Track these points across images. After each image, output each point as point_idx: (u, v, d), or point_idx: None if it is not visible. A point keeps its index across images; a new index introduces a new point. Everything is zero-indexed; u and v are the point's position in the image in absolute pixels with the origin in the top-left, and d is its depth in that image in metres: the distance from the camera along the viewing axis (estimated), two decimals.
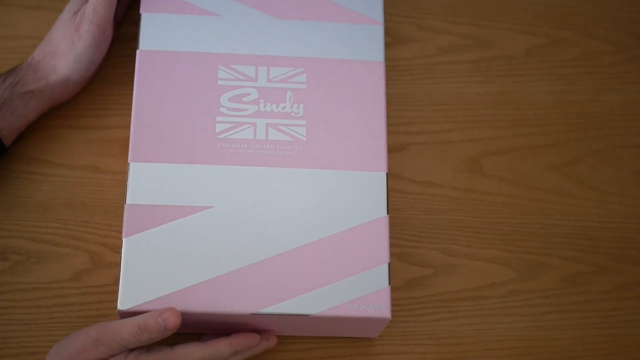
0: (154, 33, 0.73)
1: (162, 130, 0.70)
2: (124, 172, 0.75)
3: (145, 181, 0.69)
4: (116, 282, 0.72)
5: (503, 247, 0.77)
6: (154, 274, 0.66)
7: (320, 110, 0.72)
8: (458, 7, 0.85)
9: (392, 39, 0.83)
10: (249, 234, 0.68)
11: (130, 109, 0.77)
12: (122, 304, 0.65)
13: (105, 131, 0.77)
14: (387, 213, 0.70)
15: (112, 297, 0.71)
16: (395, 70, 0.81)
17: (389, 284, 0.68)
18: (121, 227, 0.73)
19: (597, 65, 0.85)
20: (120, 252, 0.73)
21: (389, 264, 0.68)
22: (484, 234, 0.77)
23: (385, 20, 0.82)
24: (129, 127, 0.77)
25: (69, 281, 0.72)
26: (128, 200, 0.68)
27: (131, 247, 0.67)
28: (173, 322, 0.63)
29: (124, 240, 0.67)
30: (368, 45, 0.74)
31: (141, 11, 0.73)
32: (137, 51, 0.72)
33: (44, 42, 0.73)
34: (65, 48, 0.72)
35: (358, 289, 0.67)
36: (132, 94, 0.76)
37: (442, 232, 0.77)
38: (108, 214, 0.74)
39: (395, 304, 0.73)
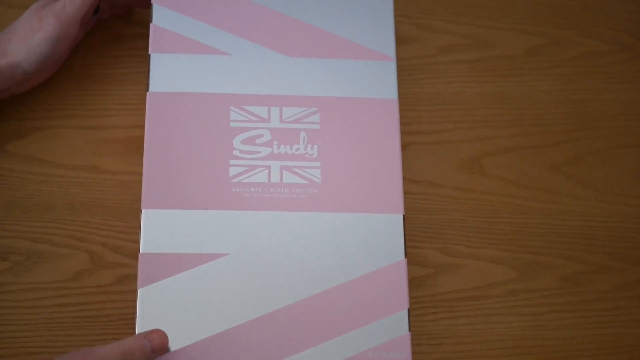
0: (164, 74, 0.71)
1: (175, 175, 0.69)
2: (124, 172, 0.75)
3: (159, 229, 0.67)
4: (116, 282, 0.72)
5: (503, 247, 0.77)
6: (170, 326, 0.65)
7: (334, 151, 0.71)
8: (458, 7, 0.85)
9: None
10: (266, 281, 0.67)
11: (130, 109, 0.77)
12: None
13: (105, 131, 0.77)
14: (405, 257, 0.68)
15: (112, 297, 0.72)
16: None
17: (409, 330, 0.67)
18: (121, 227, 0.74)
19: (597, 65, 0.85)
20: (119, 253, 0.73)
21: (409, 310, 0.67)
22: (484, 234, 0.77)
23: None
24: (129, 127, 0.77)
25: (69, 281, 0.72)
26: (142, 249, 0.67)
27: (146, 298, 0.66)
28: (159, 342, 0.62)
29: (139, 290, 0.66)
30: (381, 83, 0.73)
31: (150, 51, 0.72)
32: (147, 93, 0.71)
33: (6, 29, 0.73)
34: (22, 35, 0.71)
35: (378, 336, 0.66)
36: (132, 94, 0.77)
37: (442, 232, 0.77)
38: (108, 214, 0.74)
39: None
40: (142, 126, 0.71)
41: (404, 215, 0.69)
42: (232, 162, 0.70)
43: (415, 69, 0.82)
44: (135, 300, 0.68)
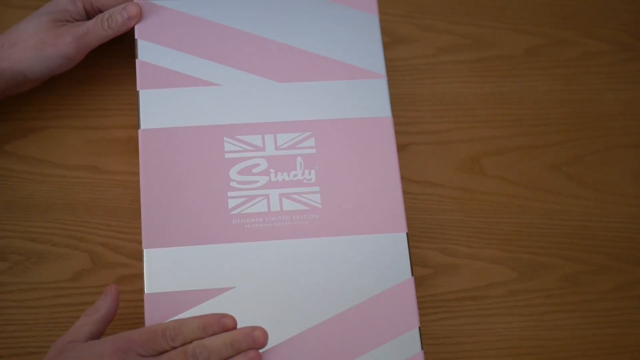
0: (154, 110, 0.71)
1: (174, 212, 0.68)
2: (123, 172, 0.75)
3: (162, 268, 0.67)
4: (116, 282, 0.72)
5: (503, 247, 0.77)
6: None
7: (332, 175, 0.70)
8: (458, 7, 0.85)
9: (392, 39, 0.83)
10: (274, 312, 0.66)
11: (129, 109, 0.77)
12: None
13: (105, 131, 0.77)
14: (412, 275, 0.68)
15: None
16: (395, 70, 0.81)
17: (422, 349, 0.67)
18: (121, 227, 0.74)
19: (597, 65, 0.85)
20: (119, 253, 0.73)
21: (420, 328, 0.67)
22: (484, 234, 0.77)
23: (385, 20, 0.82)
24: (129, 127, 0.77)
25: (69, 281, 0.72)
26: (147, 290, 0.66)
27: None
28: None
29: None
30: (374, 101, 0.73)
31: (138, 88, 0.71)
32: (139, 131, 0.70)
33: (9, 31, 0.73)
34: (32, 45, 0.71)
35: (391, 357, 0.66)
36: (131, 94, 0.76)
37: (442, 232, 0.77)
38: (108, 214, 0.74)
39: None
40: None
41: (407, 234, 0.69)
42: (230, 194, 0.69)
43: (415, 69, 0.82)
44: (135, 300, 0.68)
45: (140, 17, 0.73)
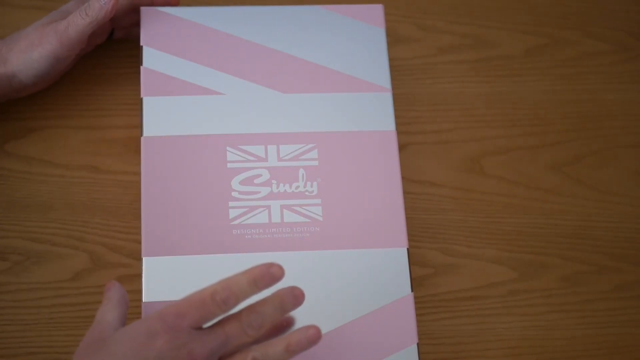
0: (158, 118, 0.70)
1: (174, 221, 0.68)
2: (124, 172, 0.75)
3: (161, 276, 0.66)
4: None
5: (503, 247, 0.77)
6: None
7: (334, 187, 0.70)
8: (458, 7, 0.85)
9: (392, 39, 0.83)
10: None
11: (129, 109, 0.77)
12: None
13: (105, 131, 0.77)
14: (412, 290, 0.68)
15: None
16: (395, 70, 0.81)
17: None
18: (121, 227, 0.74)
19: (597, 65, 0.85)
20: (119, 253, 0.73)
21: (418, 344, 0.67)
22: (484, 234, 0.77)
23: (386, 20, 0.81)
24: (129, 127, 0.77)
25: (69, 281, 0.72)
26: (144, 298, 0.66)
27: None
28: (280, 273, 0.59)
29: None
30: (378, 115, 0.72)
31: (142, 95, 0.71)
32: (142, 138, 0.70)
33: (9, 36, 0.73)
34: (23, 48, 0.71)
35: None
36: (131, 94, 0.76)
37: (442, 232, 0.77)
38: (108, 214, 0.74)
39: None
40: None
41: (408, 249, 0.69)
42: (231, 204, 0.69)
43: (415, 69, 0.82)
44: (134, 300, 0.68)
45: (117, 2, 0.71)
